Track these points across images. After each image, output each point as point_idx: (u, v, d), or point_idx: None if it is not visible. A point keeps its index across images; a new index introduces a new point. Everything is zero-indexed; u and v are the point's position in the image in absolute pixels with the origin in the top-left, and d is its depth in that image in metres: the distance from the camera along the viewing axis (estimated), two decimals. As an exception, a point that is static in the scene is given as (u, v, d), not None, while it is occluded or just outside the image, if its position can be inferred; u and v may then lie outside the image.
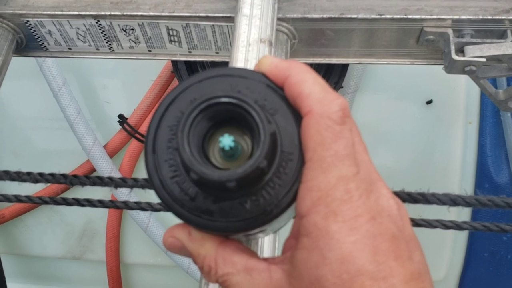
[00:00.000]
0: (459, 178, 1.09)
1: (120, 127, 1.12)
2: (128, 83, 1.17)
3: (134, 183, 0.45)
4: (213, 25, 0.66)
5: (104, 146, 1.11)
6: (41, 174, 0.46)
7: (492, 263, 1.13)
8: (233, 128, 0.35)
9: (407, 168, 1.09)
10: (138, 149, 1.12)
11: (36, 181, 0.46)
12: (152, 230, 1.10)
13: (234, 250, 0.35)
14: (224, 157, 0.35)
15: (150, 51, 0.75)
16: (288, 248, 0.36)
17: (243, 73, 0.35)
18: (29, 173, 0.47)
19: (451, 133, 1.09)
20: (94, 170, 1.11)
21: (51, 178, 0.46)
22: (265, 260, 0.35)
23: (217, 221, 0.33)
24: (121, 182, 0.45)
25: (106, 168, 1.06)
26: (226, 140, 0.32)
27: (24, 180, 0.46)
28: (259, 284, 0.34)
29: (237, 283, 0.34)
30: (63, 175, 0.47)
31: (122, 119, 1.10)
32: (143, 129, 1.10)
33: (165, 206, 0.34)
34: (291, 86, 0.34)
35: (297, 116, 0.34)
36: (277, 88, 0.35)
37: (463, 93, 1.08)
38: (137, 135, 1.10)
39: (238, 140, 0.34)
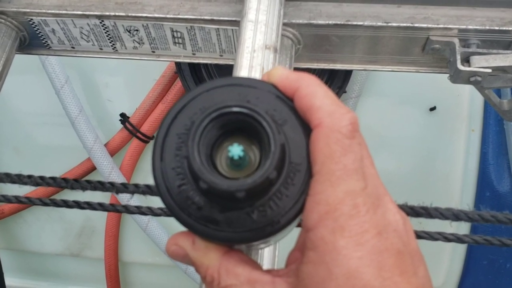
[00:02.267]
0: (461, 185, 1.08)
1: (122, 125, 1.11)
2: (130, 82, 1.17)
3: (135, 189, 0.45)
4: (218, 28, 0.66)
5: (105, 145, 1.11)
6: (42, 178, 0.46)
7: (491, 271, 1.13)
8: (241, 137, 0.35)
9: (409, 174, 1.09)
10: (139, 148, 1.12)
11: (37, 184, 0.45)
12: (152, 229, 1.10)
13: (237, 261, 0.35)
14: (231, 166, 0.35)
15: (153, 52, 0.75)
16: (292, 260, 0.36)
17: (252, 83, 0.35)
18: (30, 176, 0.47)
19: (454, 140, 1.09)
20: (94, 168, 1.11)
21: (52, 182, 0.45)
22: (269, 272, 0.35)
23: (223, 231, 0.33)
24: (123, 188, 0.45)
25: (107, 166, 1.06)
26: (236, 150, 0.32)
27: (25, 183, 0.46)
28: None
29: None
30: (64, 179, 0.46)
31: (124, 118, 1.10)
32: (144, 128, 1.10)
33: (171, 213, 0.34)
34: (302, 98, 0.34)
35: (306, 128, 0.34)
36: (286, 100, 0.35)
37: (467, 100, 1.07)
38: (138, 134, 1.10)
39: (246, 150, 0.34)
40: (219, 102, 0.34)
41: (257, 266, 0.36)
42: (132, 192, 0.45)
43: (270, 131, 0.32)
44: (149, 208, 0.54)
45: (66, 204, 0.53)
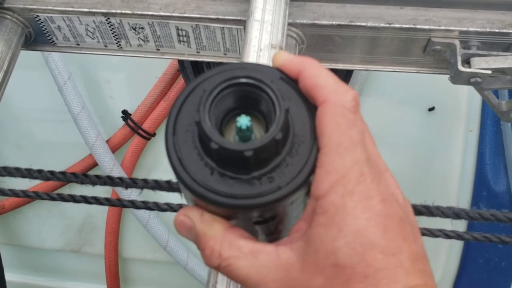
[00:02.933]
0: (458, 185, 1.10)
1: (124, 122, 1.12)
2: (132, 79, 1.17)
3: (144, 184, 0.46)
4: (223, 27, 0.67)
5: (107, 141, 1.12)
6: (52, 172, 0.47)
7: (487, 270, 1.14)
8: (249, 115, 0.37)
9: (407, 173, 1.10)
10: (140, 145, 1.13)
11: (47, 178, 0.46)
12: (152, 226, 1.11)
13: (240, 235, 0.37)
14: (239, 140, 0.36)
15: (158, 50, 0.75)
16: (296, 230, 0.37)
17: (257, 67, 0.38)
18: (40, 171, 0.47)
19: (452, 140, 1.10)
20: (96, 164, 1.12)
21: (62, 176, 0.46)
22: (271, 243, 0.37)
23: (233, 197, 0.35)
24: (131, 183, 0.46)
25: (108, 163, 1.06)
26: (243, 120, 0.34)
27: (35, 177, 0.46)
28: (267, 265, 0.35)
29: (243, 266, 0.36)
30: (74, 174, 0.47)
31: (125, 114, 1.11)
32: (146, 125, 1.11)
33: (182, 183, 0.35)
34: (307, 79, 0.37)
35: (309, 106, 0.37)
36: (290, 81, 0.38)
37: (465, 101, 1.09)
38: (140, 131, 1.11)
39: (253, 128, 0.36)
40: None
41: (258, 241, 0.37)
42: (142, 187, 0.46)
43: (275, 97, 0.35)
44: (156, 203, 0.55)
45: (73, 198, 0.54)
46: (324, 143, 0.35)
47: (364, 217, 0.33)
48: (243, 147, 0.33)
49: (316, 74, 0.37)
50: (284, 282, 0.35)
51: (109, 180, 0.46)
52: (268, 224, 0.39)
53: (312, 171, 0.35)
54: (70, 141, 1.18)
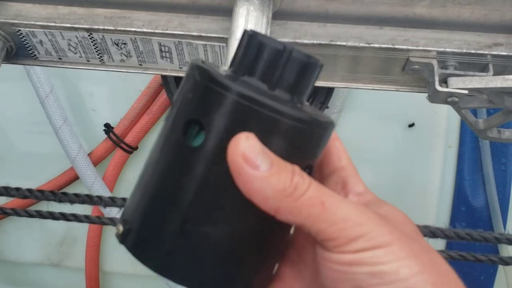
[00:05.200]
0: (437, 200, 1.11)
1: (106, 135, 1.12)
2: (115, 92, 1.17)
3: (123, 203, 0.46)
4: (205, 44, 0.67)
5: (89, 154, 1.11)
6: (30, 190, 0.46)
7: (466, 283, 1.15)
8: None
9: (387, 187, 1.11)
10: (122, 158, 1.12)
11: (25, 197, 0.46)
12: (133, 239, 1.10)
13: None
14: None
15: (141, 65, 0.76)
16: None
17: None
18: (18, 189, 0.47)
19: (431, 156, 1.12)
20: (77, 177, 1.11)
21: (40, 195, 0.46)
22: None
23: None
24: (110, 202, 0.46)
25: (90, 176, 1.06)
26: None
27: (12, 196, 0.46)
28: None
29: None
30: (52, 192, 0.47)
31: (108, 128, 1.10)
32: (129, 139, 1.11)
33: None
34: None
35: None
36: None
37: (444, 117, 1.11)
38: (122, 145, 1.10)
39: None
40: None
41: None
42: (120, 206, 0.46)
43: None
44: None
45: (52, 215, 0.53)
46: None
47: None
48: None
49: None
50: None
51: (87, 199, 0.46)
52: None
53: None
54: (52, 152, 1.17)
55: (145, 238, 0.33)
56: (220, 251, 0.32)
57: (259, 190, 0.30)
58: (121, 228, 0.34)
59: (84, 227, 1.17)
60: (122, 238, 0.34)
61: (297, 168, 0.31)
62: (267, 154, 0.30)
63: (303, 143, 0.32)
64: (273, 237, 0.34)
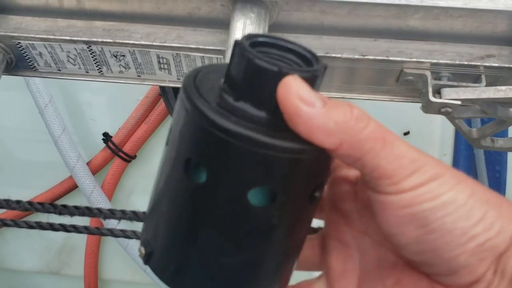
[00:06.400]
0: (434, 207, 1.12)
1: (104, 145, 1.12)
2: (114, 102, 1.18)
3: (122, 215, 0.47)
4: (203, 56, 0.68)
5: (88, 163, 1.12)
6: (30, 203, 0.47)
7: None
8: None
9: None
10: (121, 167, 1.13)
11: (25, 209, 0.47)
12: (132, 247, 1.11)
13: None
14: None
15: (139, 76, 0.77)
16: None
17: None
18: (18, 201, 0.48)
19: (427, 163, 1.12)
20: (76, 186, 1.12)
21: (41, 207, 0.47)
22: None
23: None
24: (110, 214, 0.47)
25: (89, 185, 1.06)
26: None
27: (13, 208, 0.47)
28: None
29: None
30: (52, 205, 0.48)
31: (106, 137, 1.11)
32: (127, 148, 1.11)
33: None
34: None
35: None
36: None
37: (439, 126, 1.12)
38: (120, 154, 1.11)
39: None
40: None
41: None
42: (119, 218, 0.47)
43: None
44: (134, 232, 0.55)
45: (52, 227, 0.54)
46: None
47: None
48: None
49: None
50: None
51: (87, 211, 0.47)
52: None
53: None
54: (51, 161, 1.17)
55: (166, 264, 0.34)
56: (237, 279, 0.33)
57: (321, 126, 0.28)
58: (143, 251, 0.35)
59: (83, 236, 1.17)
60: (145, 260, 0.35)
61: (351, 103, 0.31)
62: (315, 92, 0.30)
63: (306, 172, 0.31)
64: (291, 253, 0.35)
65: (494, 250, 0.30)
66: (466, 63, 0.64)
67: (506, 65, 0.63)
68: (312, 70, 0.31)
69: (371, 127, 0.30)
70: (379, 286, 0.35)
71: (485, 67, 0.64)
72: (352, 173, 0.38)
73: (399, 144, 0.31)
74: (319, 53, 0.65)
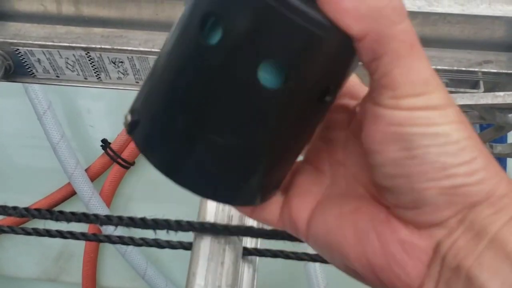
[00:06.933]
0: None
1: (103, 151, 1.12)
2: (112, 108, 1.18)
3: (119, 221, 0.47)
4: (200, 62, 0.69)
5: (86, 170, 1.12)
6: (27, 209, 0.47)
7: None
8: None
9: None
10: (119, 174, 1.13)
11: (22, 215, 0.47)
12: (130, 254, 1.10)
13: None
14: None
15: (138, 82, 0.77)
16: None
17: None
18: (15, 208, 0.48)
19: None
20: (75, 192, 1.12)
21: (37, 213, 0.47)
22: None
23: None
24: (107, 220, 0.46)
25: (87, 192, 1.06)
26: None
27: (10, 215, 0.47)
28: None
29: None
30: (49, 211, 0.48)
31: (105, 143, 1.11)
32: (125, 154, 1.11)
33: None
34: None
35: None
36: None
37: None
38: (119, 160, 1.11)
39: None
40: None
41: None
42: (116, 224, 0.47)
43: None
44: (131, 238, 0.55)
45: (48, 233, 0.54)
46: None
47: None
48: None
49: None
50: None
51: (84, 217, 0.47)
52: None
53: None
54: (49, 167, 1.17)
55: (151, 135, 0.30)
56: (229, 161, 0.30)
57: (352, 8, 0.26)
58: (129, 118, 0.31)
59: (81, 242, 1.17)
60: (130, 129, 0.31)
61: None
62: None
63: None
64: (289, 151, 0.32)
65: (467, 198, 0.29)
66: (464, 69, 0.64)
67: (504, 71, 0.63)
68: None
69: (405, 25, 0.27)
70: (335, 211, 0.33)
71: (483, 73, 0.64)
72: (353, 102, 0.37)
73: (421, 59, 0.28)
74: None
